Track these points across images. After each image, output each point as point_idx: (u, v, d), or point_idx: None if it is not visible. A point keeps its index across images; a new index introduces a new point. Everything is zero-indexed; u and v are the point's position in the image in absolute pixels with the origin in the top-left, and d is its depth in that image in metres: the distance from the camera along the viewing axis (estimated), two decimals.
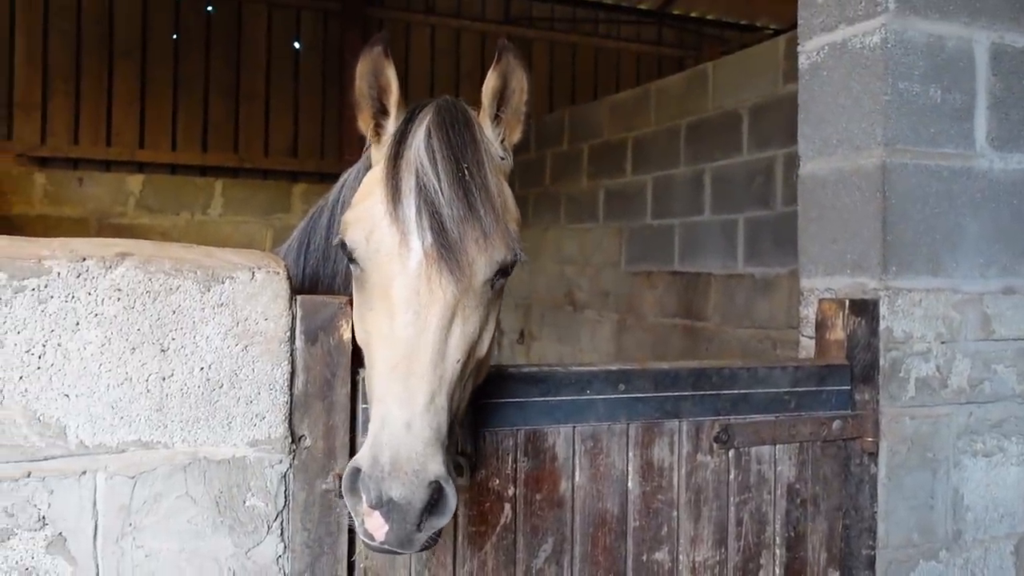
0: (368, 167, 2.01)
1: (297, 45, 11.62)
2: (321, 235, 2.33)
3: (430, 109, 1.82)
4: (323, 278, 2.30)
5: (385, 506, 1.51)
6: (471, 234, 1.68)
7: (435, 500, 1.54)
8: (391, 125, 1.88)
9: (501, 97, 1.89)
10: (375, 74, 1.86)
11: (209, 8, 11.14)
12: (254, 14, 11.33)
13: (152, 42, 10.80)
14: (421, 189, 1.70)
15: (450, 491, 1.56)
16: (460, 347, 1.67)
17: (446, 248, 1.65)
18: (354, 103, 1.90)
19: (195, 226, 10.32)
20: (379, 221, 1.72)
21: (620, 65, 13.85)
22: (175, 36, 10.97)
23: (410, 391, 1.58)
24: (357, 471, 1.56)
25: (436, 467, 1.54)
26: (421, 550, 1.61)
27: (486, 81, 1.87)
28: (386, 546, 1.55)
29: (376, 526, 1.53)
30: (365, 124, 1.92)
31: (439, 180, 1.70)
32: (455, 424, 1.71)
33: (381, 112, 1.90)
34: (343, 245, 1.77)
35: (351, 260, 1.77)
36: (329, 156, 11.54)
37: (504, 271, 1.75)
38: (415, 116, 1.82)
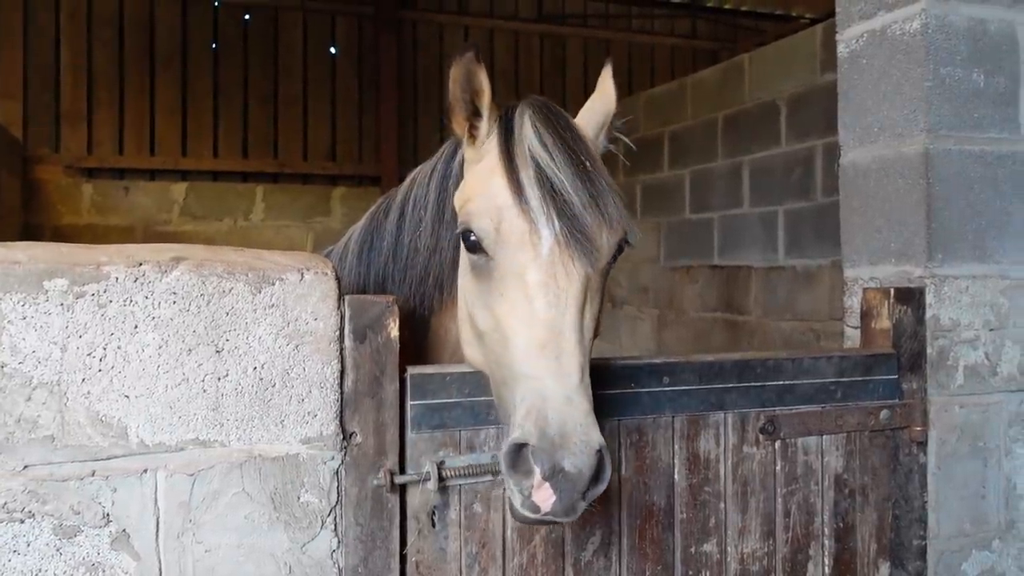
0: (448, 165, 2.19)
1: (333, 50, 11.73)
2: (390, 234, 2.36)
3: (526, 108, 1.95)
4: (393, 275, 2.34)
5: (556, 477, 1.58)
6: (596, 219, 1.80)
7: (598, 468, 1.63)
8: (484, 125, 2.00)
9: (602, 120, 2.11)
10: (468, 78, 1.95)
11: (246, 16, 11.30)
12: (290, 21, 11.46)
13: (192, 52, 10.98)
14: (543, 180, 1.82)
15: (607, 459, 1.64)
16: (591, 325, 1.81)
17: (579, 232, 1.77)
18: (448, 107, 2.02)
19: (238, 232, 10.49)
20: (506, 212, 1.83)
21: (654, 59, 13.77)
22: (214, 45, 11.14)
23: (564, 367, 1.68)
24: (520, 447, 1.63)
25: (598, 436, 1.63)
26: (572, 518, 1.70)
27: (591, 105, 2.12)
28: (548, 516, 1.64)
29: (544, 497, 1.60)
30: (459, 126, 2.05)
31: (559, 170, 1.82)
32: None
33: (474, 114, 2.00)
34: (468, 235, 1.87)
35: (474, 250, 1.87)
36: (367, 159, 11.64)
37: (620, 251, 1.90)
38: (514, 115, 1.95)
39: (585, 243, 1.77)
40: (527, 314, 1.75)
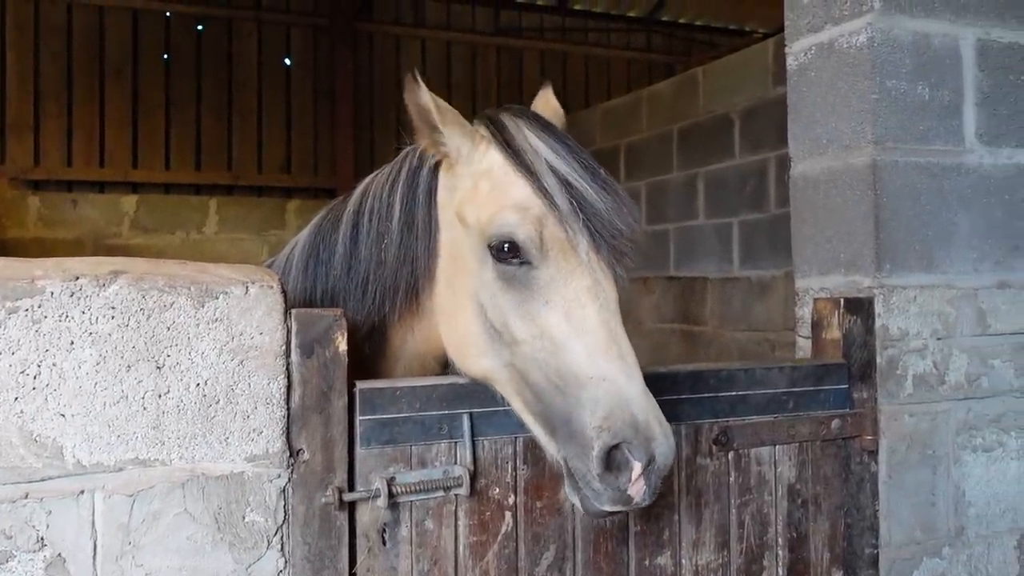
0: (414, 176, 2.14)
1: (288, 61, 11.64)
2: (343, 246, 2.26)
3: (515, 117, 1.99)
4: (348, 288, 2.24)
5: (649, 467, 1.69)
6: (622, 223, 1.86)
7: None
8: (448, 139, 2.01)
9: None
10: (415, 100, 1.97)
11: (199, 27, 11.16)
12: (244, 31, 11.36)
13: (143, 62, 10.82)
14: (568, 187, 1.85)
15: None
16: None
17: (610, 237, 1.84)
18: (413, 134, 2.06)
19: (191, 244, 10.33)
20: (545, 220, 1.85)
21: (611, 72, 13.89)
22: (166, 55, 10.99)
23: (630, 367, 1.77)
24: (611, 448, 1.69)
25: (668, 424, 1.75)
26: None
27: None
28: (631, 506, 1.73)
29: (639, 488, 1.70)
30: (427, 144, 2.05)
31: (579, 177, 1.87)
32: None
33: (434, 130, 2.01)
34: (504, 245, 1.86)
35: (507, 260, 1.87)
36: (323, 171, 11.55)
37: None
38: (505, 125, 1.97)
39: (616, 247, 1.85)
40: (582, 319, 1.79)
